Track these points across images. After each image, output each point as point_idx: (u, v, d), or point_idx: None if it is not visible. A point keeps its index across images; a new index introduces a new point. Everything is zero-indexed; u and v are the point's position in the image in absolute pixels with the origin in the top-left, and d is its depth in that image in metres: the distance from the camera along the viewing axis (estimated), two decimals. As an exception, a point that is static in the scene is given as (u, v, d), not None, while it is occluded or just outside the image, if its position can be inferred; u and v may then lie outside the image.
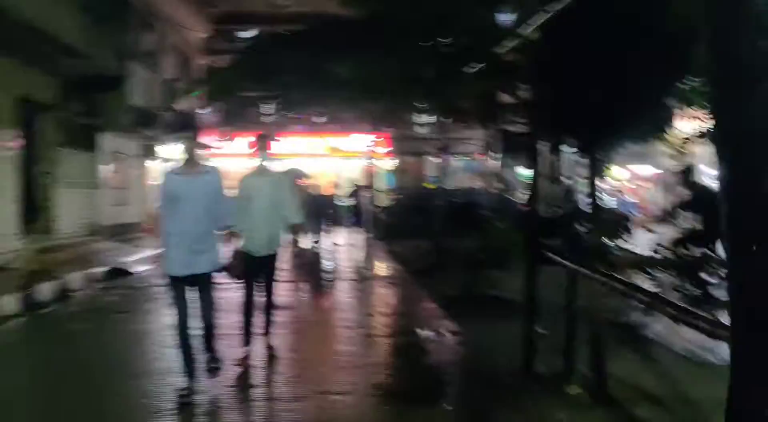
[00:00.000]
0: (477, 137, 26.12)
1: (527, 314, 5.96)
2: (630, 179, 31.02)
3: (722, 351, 3.76)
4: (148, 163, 20.80)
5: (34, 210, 13.33)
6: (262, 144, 6.67)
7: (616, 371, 5.28)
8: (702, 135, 7.65)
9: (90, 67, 14.06)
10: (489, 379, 5.90)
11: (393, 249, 17.46)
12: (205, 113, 23.33)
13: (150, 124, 17.95)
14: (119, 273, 12.34)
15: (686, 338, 6.18)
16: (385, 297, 11.10)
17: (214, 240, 5.40)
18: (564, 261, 5.53)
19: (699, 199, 7.87)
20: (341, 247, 18.47)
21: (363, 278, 13.15)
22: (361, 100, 23.62)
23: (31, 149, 13.40)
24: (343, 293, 11.39)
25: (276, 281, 6.72)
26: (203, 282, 5.29)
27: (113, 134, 16.89)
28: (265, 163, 6.60)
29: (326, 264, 15.05)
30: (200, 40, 25.34)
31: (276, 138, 25.52)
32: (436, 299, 9.33)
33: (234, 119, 29.23)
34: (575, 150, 6.94)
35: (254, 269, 6.28)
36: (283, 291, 10.22)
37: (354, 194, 23.88)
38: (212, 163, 6.15)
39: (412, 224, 18.99)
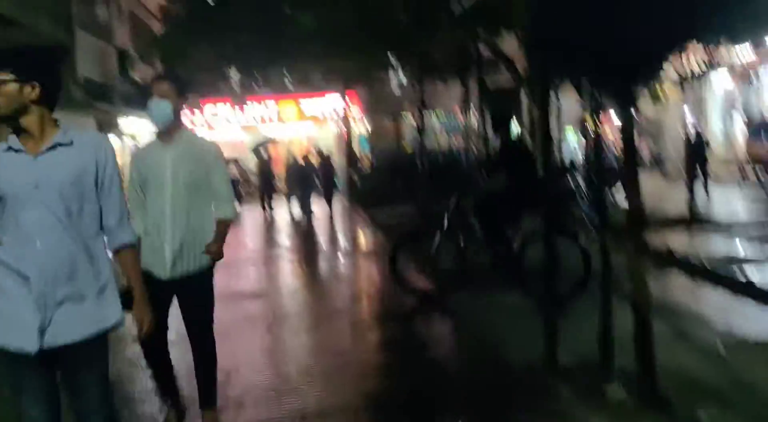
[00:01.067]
0: (455, 93, 24.90)
1: (548, 292, 4.88)
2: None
3: None
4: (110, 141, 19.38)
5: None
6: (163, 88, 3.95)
7: (667, 363, 4.25)
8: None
9: (28, 37, 12.64)
10: (502, 377, 4.88)
11: (373, 218, 16.38)
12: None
13: (107, 98, 16.56)
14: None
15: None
16: (369, 276, 10.03)
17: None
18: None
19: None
20: (320, 218, 17.41)
21: (346, 253, 12.12)
22: (330, 56, 22.42)
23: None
24: (326, 272, 10.33)
25: (207, 321, 4.05)
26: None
27: (65, 111, 15.44)
28: (172, 126, 3.96)
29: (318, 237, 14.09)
30: (157, 4, 23.60)
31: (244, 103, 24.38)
32: (428, 275, 8.30)
33: (194, 87, 27.62)
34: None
35: (160, 302, 3.42)
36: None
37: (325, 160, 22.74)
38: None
39: (392, 189, 17.95)
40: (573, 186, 14.82)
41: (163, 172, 3.91)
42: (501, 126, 7.65)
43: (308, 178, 17.51)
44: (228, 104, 28.54)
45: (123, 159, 21.13)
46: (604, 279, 4.37)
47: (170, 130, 3.96)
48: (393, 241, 8.15)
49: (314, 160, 18.80)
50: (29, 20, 11.88)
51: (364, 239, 13.80)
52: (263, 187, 20.01)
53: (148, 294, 2.89)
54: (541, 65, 5.18)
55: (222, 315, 4.38)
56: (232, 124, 28.84)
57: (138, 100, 18.43)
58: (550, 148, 5.74)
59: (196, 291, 3.98)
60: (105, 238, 2.79)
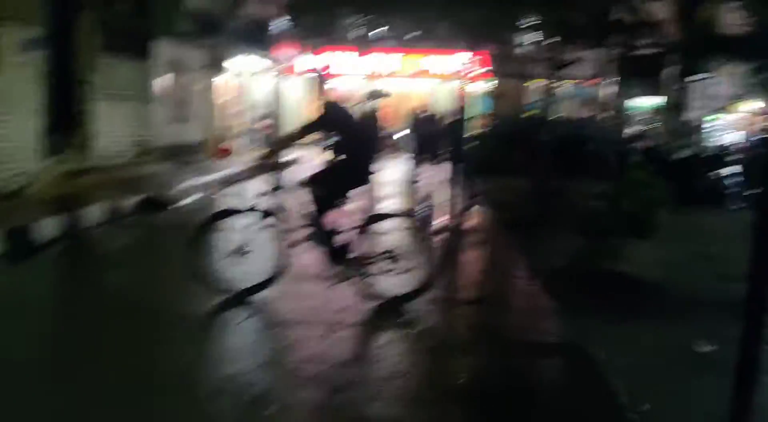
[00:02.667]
0: (590, 59, 22.78)
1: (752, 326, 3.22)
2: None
3: None
4: (215, 77, 18.76)
5: (67, 125, 11.46)
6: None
7: None
8: None
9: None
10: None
11: (484, 189, 14.82)
12: (281, 23, 20.99)
13: (214, 32, 15.74)
14: (154, 204, 10.35)
15: None
16: (469, 266, 8.58)
17: None
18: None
19: None
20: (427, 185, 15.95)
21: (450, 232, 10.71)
22: (458, 12, 20.87)
23: (64, 54, 11.44)
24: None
25: None
26: None
27: (170, 42, 14.78)
28: None
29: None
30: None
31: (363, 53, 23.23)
32: (537, 272, 6.82)
33: (316, 32, 26.82)
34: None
35: None
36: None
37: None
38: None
39: (509, 159, 16.29)
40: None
41: None
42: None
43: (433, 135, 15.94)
44: (350, 53, 27.56)
45: (227, 95, 20.77)
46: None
47: None
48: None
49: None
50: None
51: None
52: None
53: None
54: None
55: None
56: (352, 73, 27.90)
57: (250, 36, 17.67)
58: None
59: None
60: None
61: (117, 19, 12.71)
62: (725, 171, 12.94)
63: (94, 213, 8.85)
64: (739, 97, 24.30)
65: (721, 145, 16.91)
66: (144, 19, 13.64)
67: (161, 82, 14.90)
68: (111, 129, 12.57)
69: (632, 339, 4.87)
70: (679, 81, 18.48)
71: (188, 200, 11.25)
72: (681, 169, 12.75)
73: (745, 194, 12.20)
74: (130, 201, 9.97)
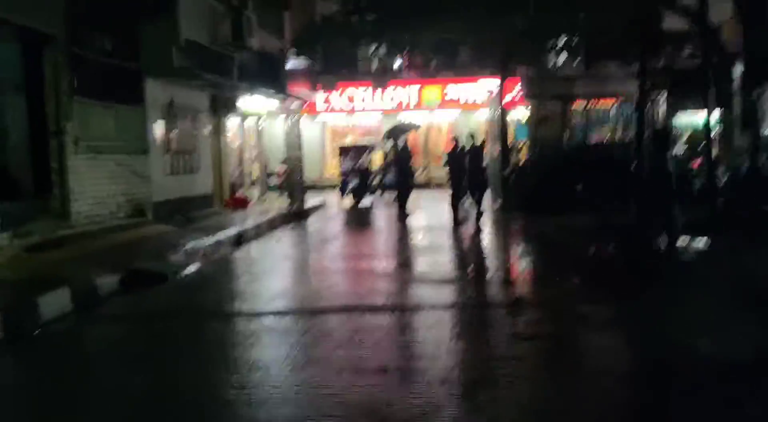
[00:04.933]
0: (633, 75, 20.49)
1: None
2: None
3: None
4: (226, 120, 16.81)
5: (38, 187, 9.46)
6: None
7: None
8: None
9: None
10: None
11: (536, 231, 12.55)
12: (295, 58, 19.08)
13: (218, 68, 13.80)
14: (146, 279, 8.18)
15: None
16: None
17: None
18: None
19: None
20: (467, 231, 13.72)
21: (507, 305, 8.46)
22: (487, 33, 18.86)
23: (33, 100, 9.51)
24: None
25: None
26: None
27: (167, 82, 12.82)
28: None
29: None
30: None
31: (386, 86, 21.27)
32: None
33: (334, 65, 24.95)
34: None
35: None
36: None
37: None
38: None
39: (563, 191, 14.04)
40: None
41: None
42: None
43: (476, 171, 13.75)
44: (367, 88, 25.73)
45: (240, 140, 18.78)
46: None
47: None
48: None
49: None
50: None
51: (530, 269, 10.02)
52: (399, 180, 16.60)
53: None
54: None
55: None
56: (370, 109, 26.02)
57: (261, 72, 15.74)
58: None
59: None
60: None
61: (100, 57, 10.73)
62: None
63: (58, 300, 6.70)
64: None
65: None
66: (134, 55, 11.65)
67: (158, 129, 12.91)
68: (95, 187, 10.51)
69: None
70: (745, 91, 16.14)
71: (192, 269, 9.12)
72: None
73: None
74: (113, 277, 7.83)
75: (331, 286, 8.15)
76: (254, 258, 10.78)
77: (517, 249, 11.47)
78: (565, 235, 11.42)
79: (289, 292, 8.04)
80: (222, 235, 11.35)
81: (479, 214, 13.67)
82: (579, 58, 20.39)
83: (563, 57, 20.36)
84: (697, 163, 16.00)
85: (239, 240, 11.74)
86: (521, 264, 9.79)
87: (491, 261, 10.29)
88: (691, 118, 19.41)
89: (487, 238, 12.74)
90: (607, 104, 21.44)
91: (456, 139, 14.84)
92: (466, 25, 17.31)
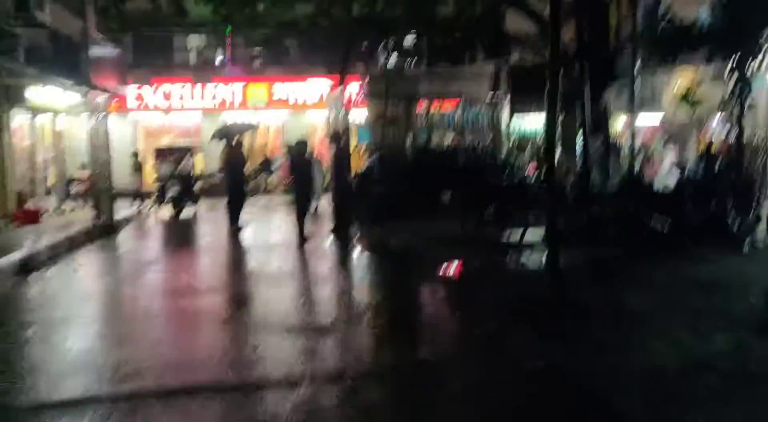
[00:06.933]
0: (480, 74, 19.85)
1: None
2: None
3: None
4: (11, 114, 13.73)
5: None
6: None
7: None
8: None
9: None
10: None
11: (403, 247, 10.79)
12: (104, 46, 16.21)
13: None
14: None
15: None
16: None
17: None
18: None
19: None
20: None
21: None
22: (323, 31, 17.39)
23: None
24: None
25: None
26: None
27: None
28: None
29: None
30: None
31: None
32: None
33: (146, 58, 21.99)
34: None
35: None
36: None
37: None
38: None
39: (411, 199, 12.64)
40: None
41: None
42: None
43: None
44: (185, 84, 23.05)
45: (31, 140, 15.61)
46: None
47: None
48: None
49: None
50: None
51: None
52: (231, 186, 14.04)
53: None
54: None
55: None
56: (189, 107, 23.36)
57: (58, 59, 12.87)
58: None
59: None
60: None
61: None
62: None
63: None
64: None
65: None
66: None
67: None
68: None
69: None
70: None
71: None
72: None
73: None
74: None
75: (148, 347, 5.88)
76: (45, 295, 8.19)
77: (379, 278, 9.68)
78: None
79: (87, 360, 5.59)
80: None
81: (341, 228, 12.03)
82: (422, 56, 19.42)
83: (406, 55, 19.29)
84: (531, 169, 15.39)
85: (25, 267, 9.12)
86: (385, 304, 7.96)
87: (356, 296, 8.36)
88: (535, 121, 18.94)
89: (348, 259, 10.81)
90: (451, 105, 20.56)
91: (302, 143, 12.69)
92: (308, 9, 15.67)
